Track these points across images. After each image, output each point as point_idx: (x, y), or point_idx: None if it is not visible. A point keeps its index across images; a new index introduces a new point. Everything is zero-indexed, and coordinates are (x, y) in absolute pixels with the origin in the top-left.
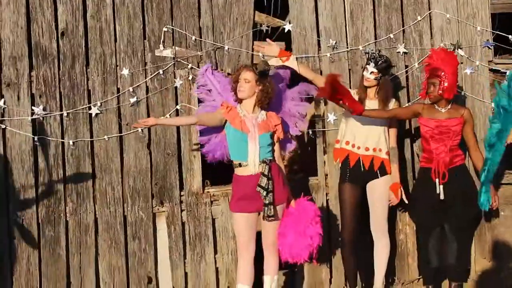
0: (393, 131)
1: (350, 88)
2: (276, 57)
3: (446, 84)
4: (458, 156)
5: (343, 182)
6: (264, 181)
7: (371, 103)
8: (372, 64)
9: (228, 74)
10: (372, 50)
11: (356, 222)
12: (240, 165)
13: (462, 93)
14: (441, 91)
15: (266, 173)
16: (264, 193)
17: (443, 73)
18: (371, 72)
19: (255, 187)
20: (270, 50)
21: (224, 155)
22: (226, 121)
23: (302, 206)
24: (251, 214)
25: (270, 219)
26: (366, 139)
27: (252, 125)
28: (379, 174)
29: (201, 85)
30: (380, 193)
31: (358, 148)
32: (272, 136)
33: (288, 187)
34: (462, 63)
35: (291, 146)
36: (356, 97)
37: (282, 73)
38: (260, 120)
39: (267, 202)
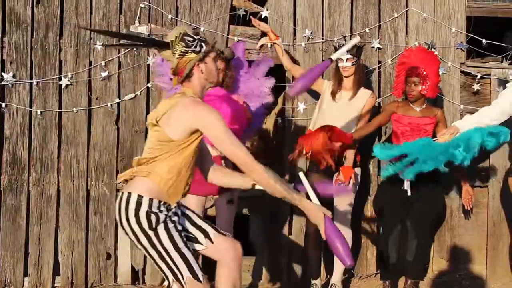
0: (363, 121)
1: (323, 78)
2: (267, 35)
3: (429, 83)
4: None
5: (312, 172)
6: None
7: (347, 94)
8: (347, 53)
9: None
10: (338, 39)
11: None
12: None
13: None
14: (425, 91)
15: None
16: None
17: (425, 72)
18: (347, 59)
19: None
20: (264, 27)
21: None
22: None
23: None
24: (202, 198)
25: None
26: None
27: None
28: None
29: (161, 74)
30: (349, 184)
31: None
32: None
33: None
34: None
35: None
36: (330, 90)
37: (242, 58)
38: None
39: None
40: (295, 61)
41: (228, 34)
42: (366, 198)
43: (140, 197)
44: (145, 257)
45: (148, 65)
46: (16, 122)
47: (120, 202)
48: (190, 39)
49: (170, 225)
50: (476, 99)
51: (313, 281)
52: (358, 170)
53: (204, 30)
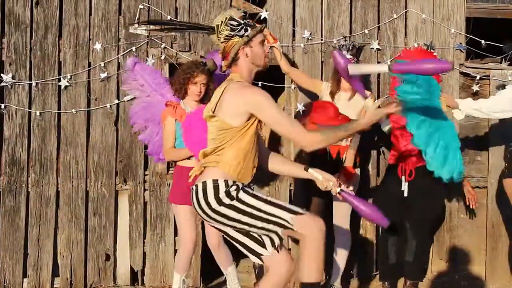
0: None
1: (322, 79)
2: (265, 38)
3: None
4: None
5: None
6: None
7: (346, 95)
8: (344, 53)
9: (201, 56)
10: (338, 39)
11: (321, 213)
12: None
13: None
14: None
15: None
16: None
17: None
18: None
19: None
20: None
21: None
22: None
23: None
24: (188, 207)
25: None
26: None
27: None
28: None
29: (131, 80)
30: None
31: None
32: None
33: None
34: None
35: None
36: (329, 90)
37: (218, 61)
38: None
39: None
40: (293, 64)
41: None
42: (366, 199)
43: (215, 182)
44: (144, 257)
45: (142, 64)
46: (15, 123)
47: (197, 193)
48: (235, 23)
49: (247, 189)
50: (474, 99)
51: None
52: (357, 171)
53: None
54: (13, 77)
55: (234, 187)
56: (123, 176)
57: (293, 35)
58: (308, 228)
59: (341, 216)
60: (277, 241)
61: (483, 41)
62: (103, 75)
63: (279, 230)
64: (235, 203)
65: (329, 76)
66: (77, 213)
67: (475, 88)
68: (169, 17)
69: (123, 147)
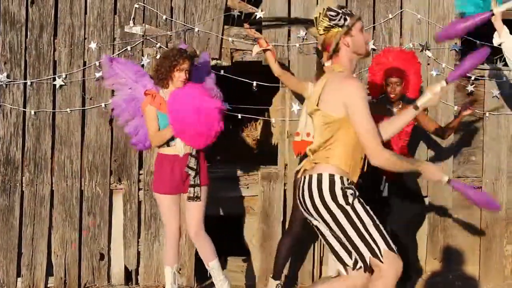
0: None
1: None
2: (258, 42)
3: (410, 84)
4: (406, 156)
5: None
6: (193, 162)
7: None
8: None
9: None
10: None
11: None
12: (168, 145)
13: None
14: (406, 91)
15: (194, 153)
16: (193, 174)
17: (405, 73)
18: None
19: (180, 168)
20: (256, 35)
21: None
22: None
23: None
24: (175, 196)
25: (197, 200)
26: None
27: None
28: None
29: (110, 76)
30: None
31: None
32: None
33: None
34: (429, 64)
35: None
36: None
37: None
38: None
39: (194, 183)
40: (285, 68)
41: (222, 35)
42: None
43: (331, 176)
44: (138, 257)
45: (142, 65)
46: (10, 122)
47: (309, 184)
48: (334, 13)
49: (362, 200)
50: (469, 100)
51: (276, 282)
52: None
53: (198, 30)
54: (8, 76)
55: (351, 191)
56: (118, 176)
57: (289, 35)
58: (392, 266)
59: None
60: (360, 264)
61: (478, 42)
62: (98, 75)
63: (368, 255)
64: (348, 208)
65: (313, 77)
66: (71, 212)
67: (470, 88)
68: (164, 17)
69: (118, 146)
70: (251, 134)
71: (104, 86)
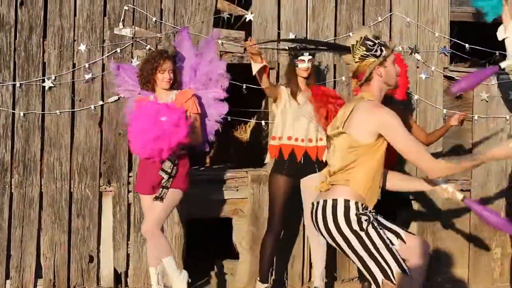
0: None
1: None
2: (251, 57)
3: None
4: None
5: (280, 174)
6: (167, 165)
7: (305, 95)
8: (306, 53)
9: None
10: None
11: (284, 216)
12: None
13: (416, 97)
14: (394, 93)
15: (171, 158)
16: (166, 177)
17: None
18: (308, 60)
19: (155, 170)
20: (256, 52)
21: None
22: None
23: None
24: (149, 196)
25: (158, 200)
26: (306, 131)
27: None
28: (317, 169)
29: (122, 84)
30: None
31: (302, 141)
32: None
33: (188, 176)
34: (418, 67)
35: (222, 109)
36: (288, 93)
37: (188, 44)
38: (170, 101)
39: (165, 185)
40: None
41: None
42: None
43: (347, 201)
44: (127, 260)
45: (123, 65)
46: None
47: (324, 208)
48: (371, 43)
49: (376, 224)
50: (459, 103)
51: (264, 285)
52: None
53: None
54: None
55: (365, 217)
56: (107, 178)
57: (278, 38)
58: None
59: None
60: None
61: (467, 45)
62: (87, 76)
63: (380, 277)
64: (362, 233)
65: (283, 79)
66: (60, 214)
67: None
68: (154, 19)
69: (107, 148)
70: (241, 136)
71: (116, 93)
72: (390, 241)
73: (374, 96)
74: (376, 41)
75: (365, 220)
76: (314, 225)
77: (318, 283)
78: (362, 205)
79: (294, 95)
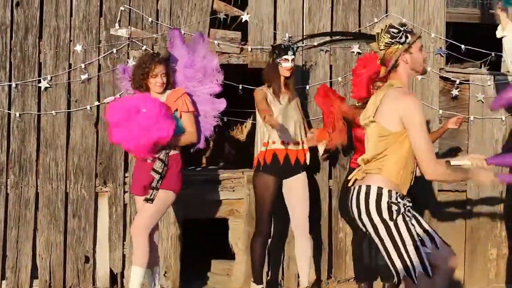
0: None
1: (301, 83)
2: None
3: None
4: None
5: (268, 174)
6: (158, 165)
7: (286, 95)
8: (290, 53)
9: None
10: (284, 41)
11: (271, 216)
12: None
13: None
14: None
15: (162, 157)
16: (157, 177)
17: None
18: (292, 60)
19: (147, 170)
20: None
21: None
22: None
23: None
24: (142, 197)
25: (148, 201)
26: (293, 134)
27: None
28: (301, 169)
29: (127, 88)
30: (303, 189)
31: (288, 144)
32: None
33: (180, 176)
34: None
35: (220, 105)
36: (270, 93)
37: (180, 45)
38: (163, 101)
39: (155, 186)
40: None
41: (208, 38)
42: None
43: (380, 189)
44: (123, 260)
45: (128, 67)
46: None
47: (358, 194)
48: (395, 30)
49: (407, 218)
50: (455, 104)
51: (259, 286)
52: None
53: (184, 33)
54: None
55: (396, 207)
56: (103, 178)
57: (274, 38)
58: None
59: (298, 218)
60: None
61: (463, 46)
62: (83, 77)
63: (402, 273)
64: (390, 223)
65: (266, 80)
66: (56, 215)
67: (455, 92)
68: (150, 19)
69: (103, 149)
70: (237, 137)
71: (127, 94)
72: (422, 241)
73: (402, 83)
74: (402, 28)
75: (396, 210)
76: (350, 212)
77: (304, 285)
78: (396, 193)
79: (277, 95)
